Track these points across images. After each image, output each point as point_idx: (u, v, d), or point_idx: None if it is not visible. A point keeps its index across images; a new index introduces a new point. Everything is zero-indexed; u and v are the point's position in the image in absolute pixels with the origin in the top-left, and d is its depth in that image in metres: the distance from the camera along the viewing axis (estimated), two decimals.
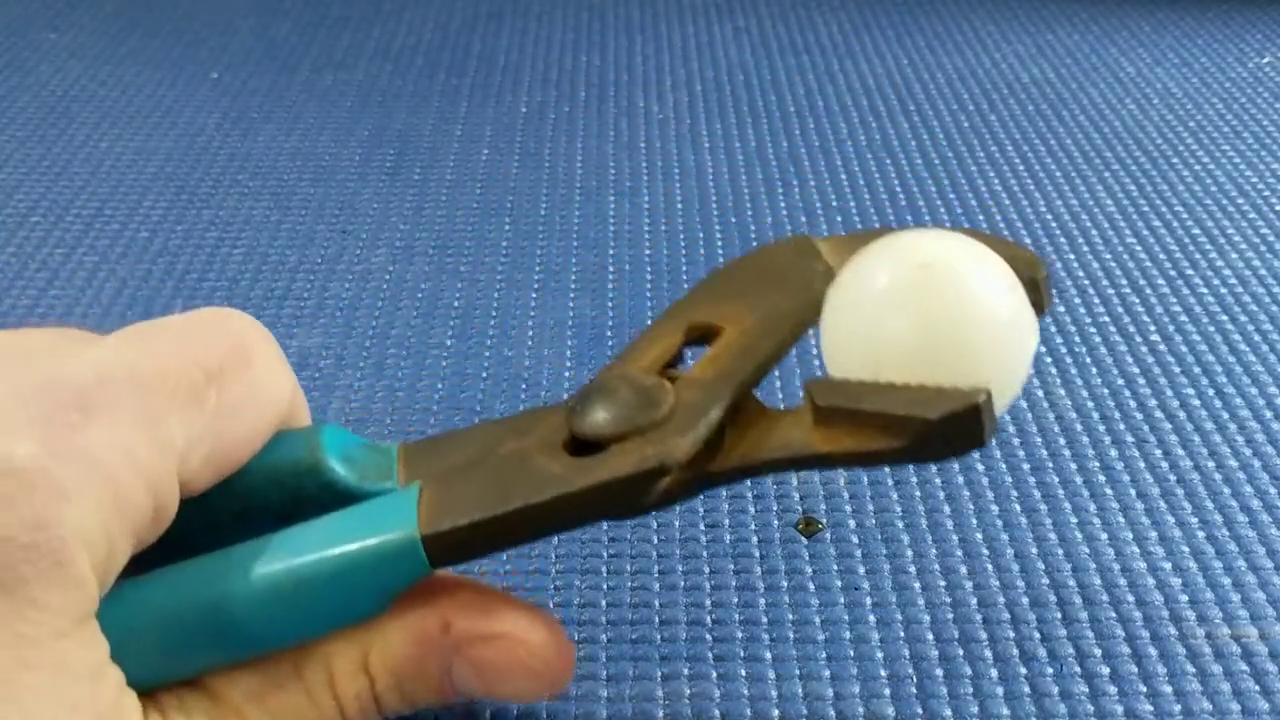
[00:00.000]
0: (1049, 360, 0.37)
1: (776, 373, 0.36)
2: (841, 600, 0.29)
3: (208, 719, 0.21)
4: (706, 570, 0.30)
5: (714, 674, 0.27)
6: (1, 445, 0.17)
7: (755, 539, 0.31)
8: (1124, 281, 0.41)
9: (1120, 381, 0.36)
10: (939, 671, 0.27)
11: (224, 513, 0.22)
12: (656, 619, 0.29)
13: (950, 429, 0.20)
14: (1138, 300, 0.40)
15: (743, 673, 0.27)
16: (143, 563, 0.21)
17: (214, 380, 0.21)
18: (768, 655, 0.27)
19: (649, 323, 0.26)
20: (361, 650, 0.22)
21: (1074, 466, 0.33)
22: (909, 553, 0.30)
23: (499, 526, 0.21)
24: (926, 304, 0.21)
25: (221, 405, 0.21)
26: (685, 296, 0.25)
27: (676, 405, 0.22)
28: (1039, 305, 0.23)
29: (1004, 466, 0.33)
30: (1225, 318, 0.39)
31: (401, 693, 0.22)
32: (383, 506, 0.22)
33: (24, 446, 0.17)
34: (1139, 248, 0.44)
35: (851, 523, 0.31)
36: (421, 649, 0.22)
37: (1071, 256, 0.43)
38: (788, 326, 0.24)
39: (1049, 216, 0.46)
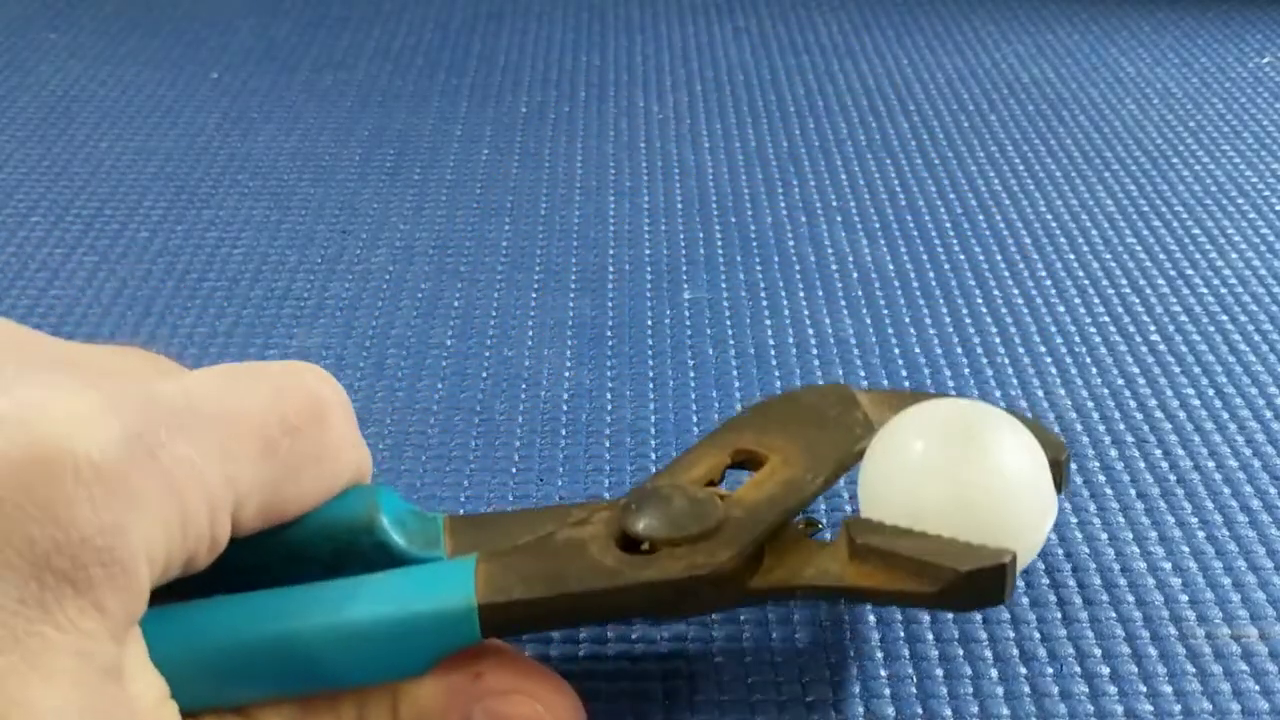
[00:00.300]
0: (1049, 360, 0.37)
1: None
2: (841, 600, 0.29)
3: None
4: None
5: (714, 674, 0.27)
6: (94, 448, 0.17)
7: None
8: (1124, 281, 0.41)
9: (1120, 381, 0.36)
10: (939, 671, 0.27)
11: (273, 555, 0.23)
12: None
13: (977, 583, 0.23)
14: (1138, 300, 0.40)
15: (743, 673, 0.27)
16: (174, 591, 0.21)
17: (289, 434, 0.21)
18: (768, 655, 0.27)
19: (695, 434, 0.29)
20: (393, 695, 0.22)
21: (1074, 466, 0.33)
22: None
23: (550, 607, 0.23)
24: (965, 473, 0.24)
25: (290, 459, 0.21)
26: (730, 421, 0.27)
27: (725, 520, 0.24)
28: (1059, 484, 0.26)
29: None
30: (1225, 318, 0.40)
31: None
32: (442, 572, 0.23)
33: (113, 451, 0.18)
34: (1139, 248, 0.44)
35: None
36: (451, 699, 0.22)
37: (1071, 256, 0.43)
38: (830, 466, 0.26)
39: (1049, 216, 0.46)
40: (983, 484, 0.24)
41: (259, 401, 0.21)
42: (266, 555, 0.23)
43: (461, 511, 0.31)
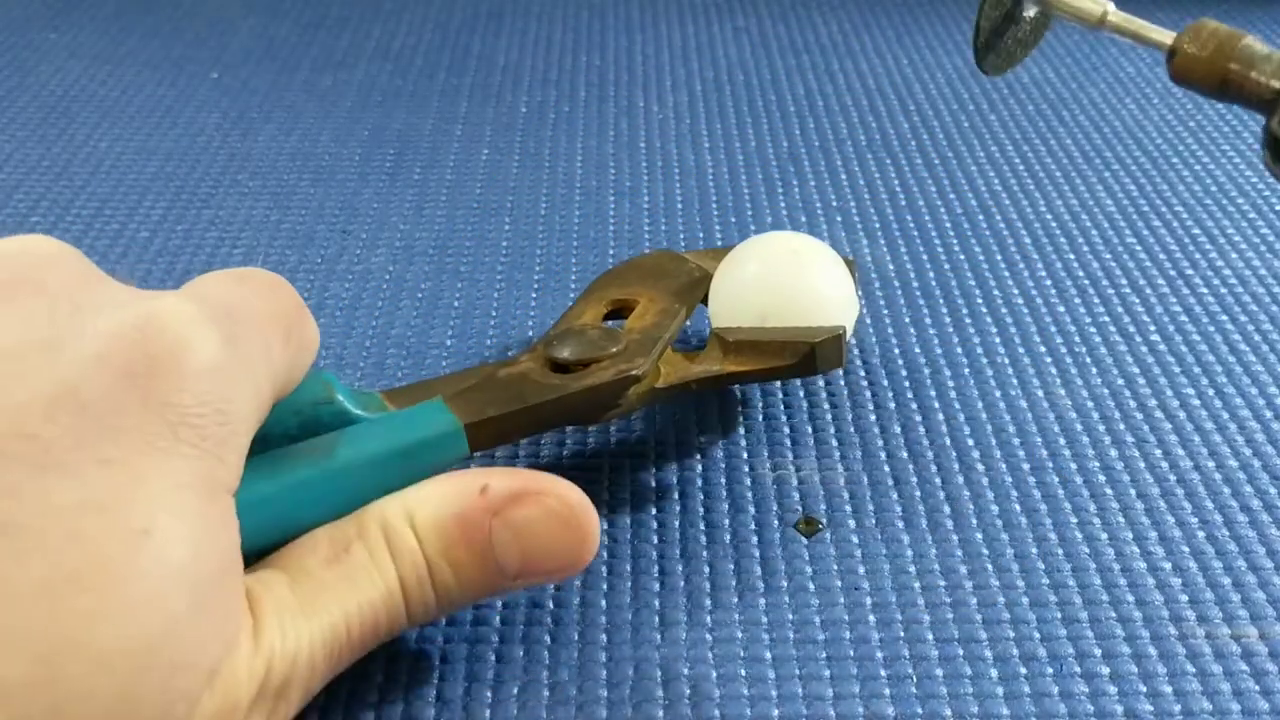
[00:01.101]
0: (1049, 360, 0.37)
1: None
2: (841, 600, 0.29)
3: (288, 590, 0.24)
4: (706, 570, 0.30)
5: (714, 674, 0.27)
6: (207, 343, 0.23)
7: (755, 539, 0.31)
8: (1124, 281, 0.41)
9: (1120, 381, 0.36)
10: (939, 671, 0.27)
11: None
12: (656, 619, 0.29)
13: (824, 351, 0.31)
14: (1138, 300, 0.40)
15: (743, 673, 0.27)
16: None
17: (294, 325, 0.26)
18: (768, 655, 0.27)
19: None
20: (408, 509, 0.25)
21: (1074, 466, 0.33)
22: (909, 553, 0.30)
23: (517, 419, 0.29)
24: (799, 273, 0.33)
25: (295, 345, 0.26)
26: (593, 285, 0.35)
27: (629, 341, 0.31)
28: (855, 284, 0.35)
29: (1004, 466, 0.33)
30: (1225, 318, 0.39)
31: (449, 562, 0.25)
32: (420, 412, 0.28)
33: (217, 344, 0.23)
34: (1139, 248, 0.44)
35: (851, 523, 0.31)
36: (462, 505, 0.25)
37: (1071, 256, 0.43)
38: (686, 298, 0.34)
39: (1049, 216, 0.46)
40: (814, 280, 0.33)
41: (268, 301, 0.25)
42: None
43: None
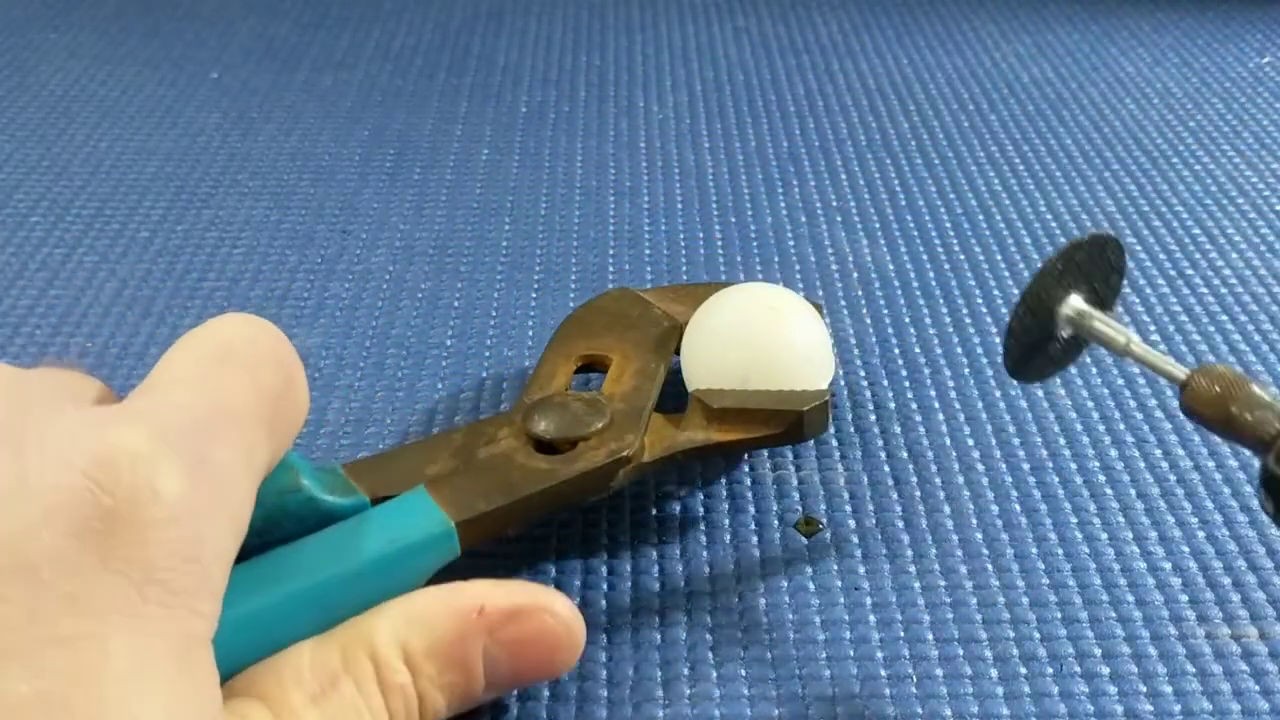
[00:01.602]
0: None
1: None
2: (841, 600, 0.29)
3: None
4: (706, 570, 0.30)
5: (714, 674, 0.27)
6: (165, 478, 0.20)
7: (755, 539, 0.31)
8: (1124, 281, 0.41)
9: (1120, 381, 0.36)
10: (939, 671, 0.27)
11: None
12: (656, 619, 0.29)
13: (811, 418, 0.30)
14: (1138, 300, 0.40)
15: (743, 673, 0.27)
16: None
17: (276, 406, 0.23)
18: (768, 655, 0.27)
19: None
20: (399, 637, 0.24)
21: (1074, 466, 0.33)
22: (909, 553, 0.30)
23: (510, 512, 0.27)
24: (779, 332, 0.32)
25: (279, 427, 0.23)
26: (556, 336, 0.33)
27: (612, 413, 0.29)
28: None
29: (1004, 466, 0.33)
30: (1225, 318, 0.39)
31: (440, 687, 0.24)
32: (405, 507, 0.26)
33: (179, 477, 0.20)
34: (1139, 248, 0.44)
35: (851, 523, 0.31)
36: (461, 630, 0.24)
37: None
38: (660, 353, 0.32)
39: (1049, 216, 0.46)
40: (793, 338, 0.32)
41: (249, 387, 0.22)
42: None
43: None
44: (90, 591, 0.19)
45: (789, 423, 0.29)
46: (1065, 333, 0.28)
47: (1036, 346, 0.28)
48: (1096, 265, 0.28)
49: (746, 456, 0.33)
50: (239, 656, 0.23)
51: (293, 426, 0.24)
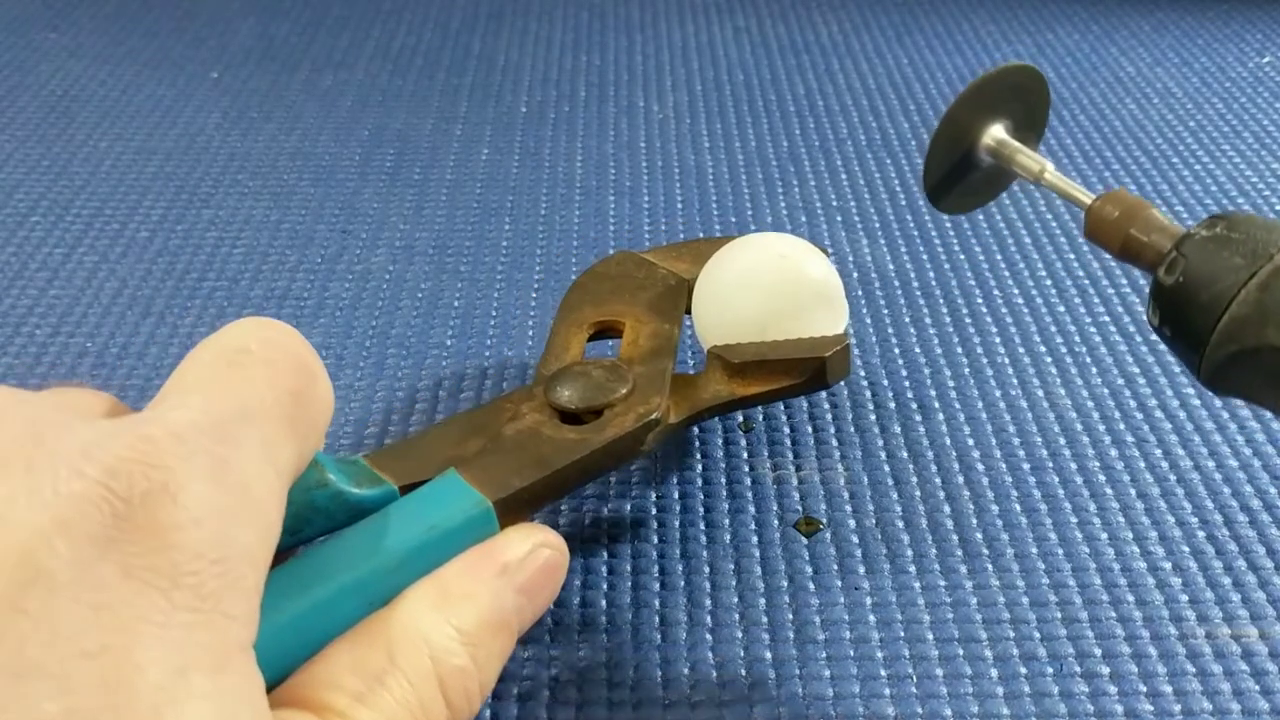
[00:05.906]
0: (1049, 360, 0.37)
1: None
2: (841, 600, 0.29)
3: None
4: (706, 570, 0.30)
5: (714, 674, 0.27)
6: (188, 483, 0.19)
7: (755, 539, 0.31)
8: (1124, 281, 0.41)
9: (1120, 381, 0.36)
10: (939, 671, 0.27)
11: None
12: (656, 619, 0.29)
13: (834, 364, 0.29)
14: (1138, 300, 0.40)
15: (743, 673, 0.27)
16: None
17: (298, 405, 0.22)
18: (768, 655, 0.27)
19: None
20: (450, 620, 0.23)
21: (1074, 466, 0.33)
22: (909, 553, 0.30)
23: (545, 486, 0.26)
24: (794, 279, 0.31)
25: (302, 427, 0.22)
26: (564, 306, 0.33)
27: (634, 377, 0.29)
28: None
29: (1004, 466, 0.33)
30: None
31: (493, 655, 0.24)
32: (441, 494, 0.25)
33: (203, 481, 0.20)
34: None
35: (851, 523, 0.31)
36: (496, 590, 0.24)
37: (1072, 256, 0.43)
38: (672, 311, 0.32)
39: (1049, 216, 0.46)
40: (808, 283, 0.31)
41: (268, 384, 0.22)
42: None
43: None
44: (115, 602, 0.18)
45: (812, 370, 0.29)
46: (986, 161, 0.28)
47: (957, 174, 0.27)
48: (1019, 96, 0.27)
49: (746, 456, 0.33)
50: (287, 663, 0.22)
51: (318, 424, 0.23)
